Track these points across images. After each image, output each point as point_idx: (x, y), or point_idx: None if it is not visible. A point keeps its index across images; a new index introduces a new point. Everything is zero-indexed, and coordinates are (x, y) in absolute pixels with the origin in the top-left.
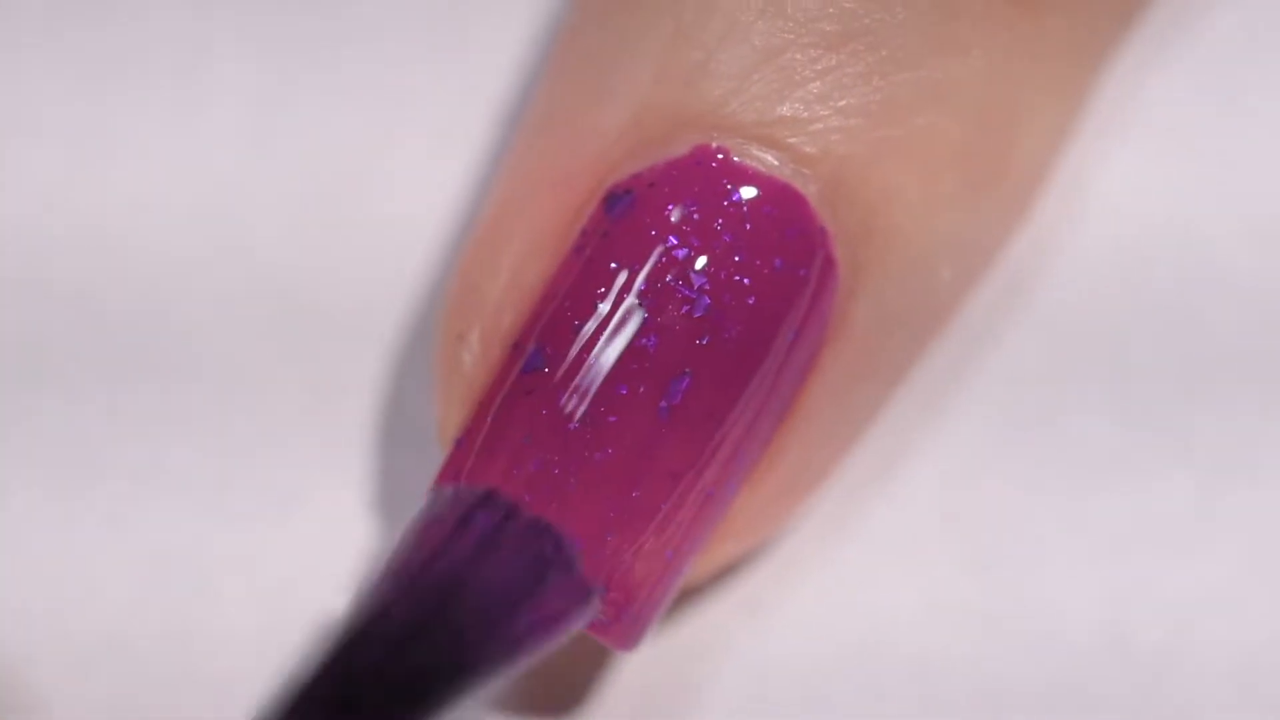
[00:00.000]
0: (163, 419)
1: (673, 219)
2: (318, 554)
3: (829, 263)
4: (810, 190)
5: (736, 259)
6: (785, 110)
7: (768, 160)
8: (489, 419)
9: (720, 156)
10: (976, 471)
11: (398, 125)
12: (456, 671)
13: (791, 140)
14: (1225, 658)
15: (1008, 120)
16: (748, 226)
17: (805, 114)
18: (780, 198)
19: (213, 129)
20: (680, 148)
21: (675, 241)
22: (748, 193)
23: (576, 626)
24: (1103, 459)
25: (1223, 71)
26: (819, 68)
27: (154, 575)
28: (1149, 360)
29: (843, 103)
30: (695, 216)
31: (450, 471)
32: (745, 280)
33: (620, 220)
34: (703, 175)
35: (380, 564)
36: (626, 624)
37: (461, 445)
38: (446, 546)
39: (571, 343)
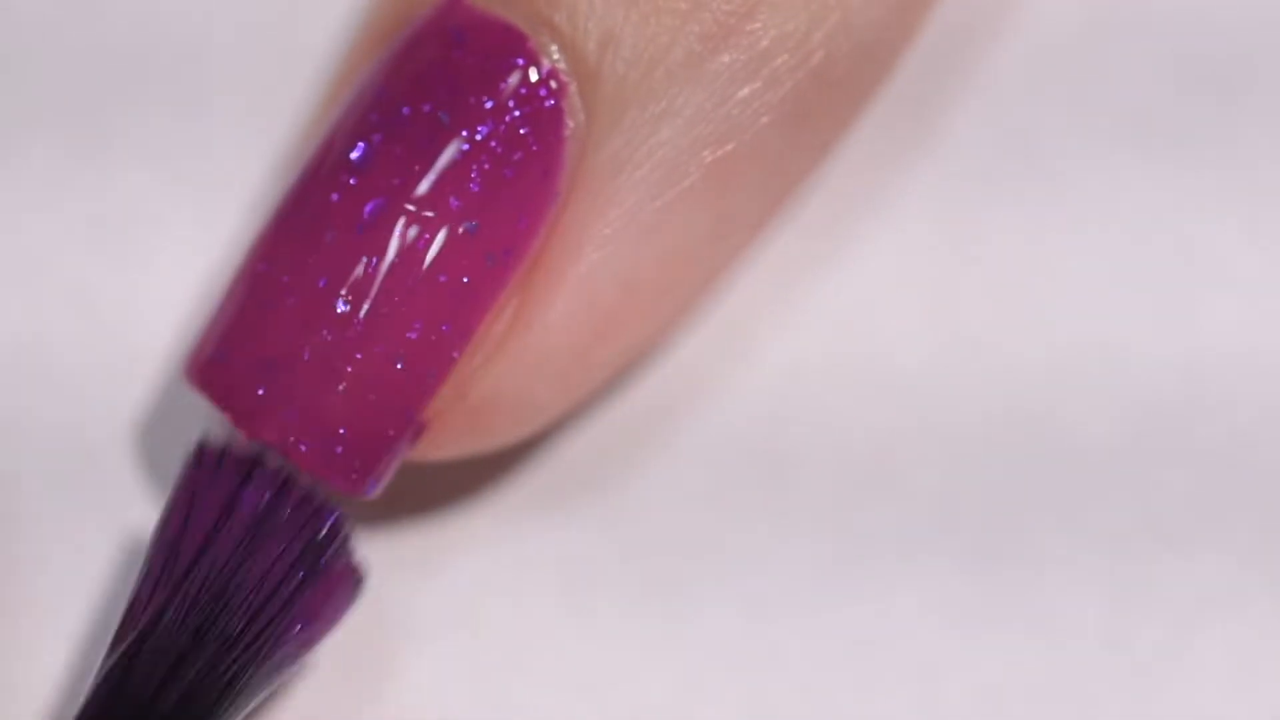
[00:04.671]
0: None
1: (398, 65)
2: None
3: (554, 108)
4: (539, 37)
5: (444, 93)
6: None
7: (501, 5)
8: None
9: (453, 4)
10: (976, 469)
11: None
12: (232, 674)
13: None
14: (1225, 658)
15: None
16: (468, 62)
17: None
18: (490, 29)
19: None
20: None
21: (394, 81)
22: (464, 31)
23: (347, 608)
24: (1103, 458)
25: None
26: None
27: None
28: (1149, 360)
29: None
30: (415, 59)
31: None
32: (454, 113)
33: (372, 74)
34: (435, 23)
35: (150, 554)
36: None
37: None
38: (218, 533)
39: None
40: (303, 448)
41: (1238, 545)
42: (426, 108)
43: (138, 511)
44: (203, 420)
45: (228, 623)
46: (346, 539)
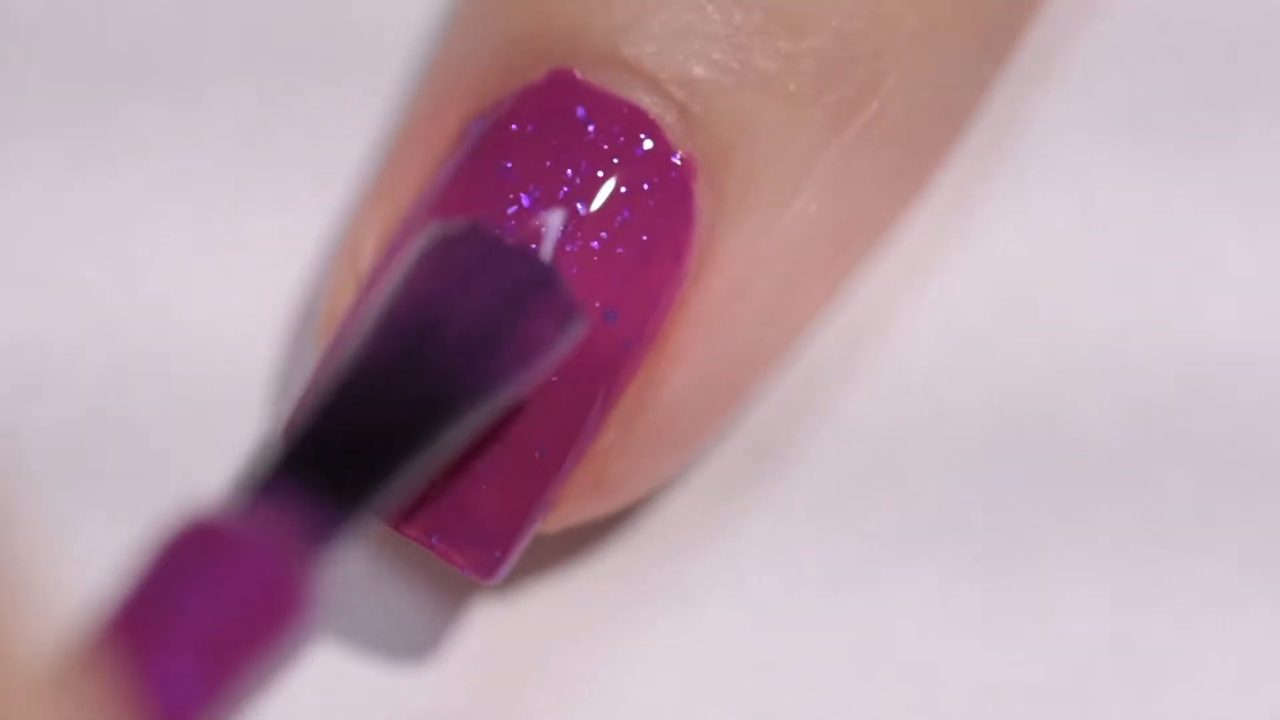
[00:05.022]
0: None
1: (523, 143)
2: None
3: (684, 190)
4: (665, 117)
5: (579, 180)
6: (638, 36)
7: (626, 83)
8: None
9: (572, 79)
10: (978, 471)
11: None
12: (442, 410)
13: (644, 64)
14: (1225, 658)
15: (875, 52)
16: (602, 145)
17: (658, 37)
18: (617, 109)
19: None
20: (539, 74)
21: (522, 163)
22: (590, 112)
23: (561, 350)
24: (1103, 458)
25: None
26: None
27: None
28: (1149, 359)
29: (698, 26)
30: (544, 139)
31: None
32: (591, 200)
33: (476, 142)
34: (553, 97)
35: (370, 308)
36: (484, 548)
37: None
38: (431, 282)
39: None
40: (443, 543)
41: (1238, 545)
42: (561, 194)
43: (138, 512)
44: (203, 419)
45: (438, 351)
46: (559, 283)
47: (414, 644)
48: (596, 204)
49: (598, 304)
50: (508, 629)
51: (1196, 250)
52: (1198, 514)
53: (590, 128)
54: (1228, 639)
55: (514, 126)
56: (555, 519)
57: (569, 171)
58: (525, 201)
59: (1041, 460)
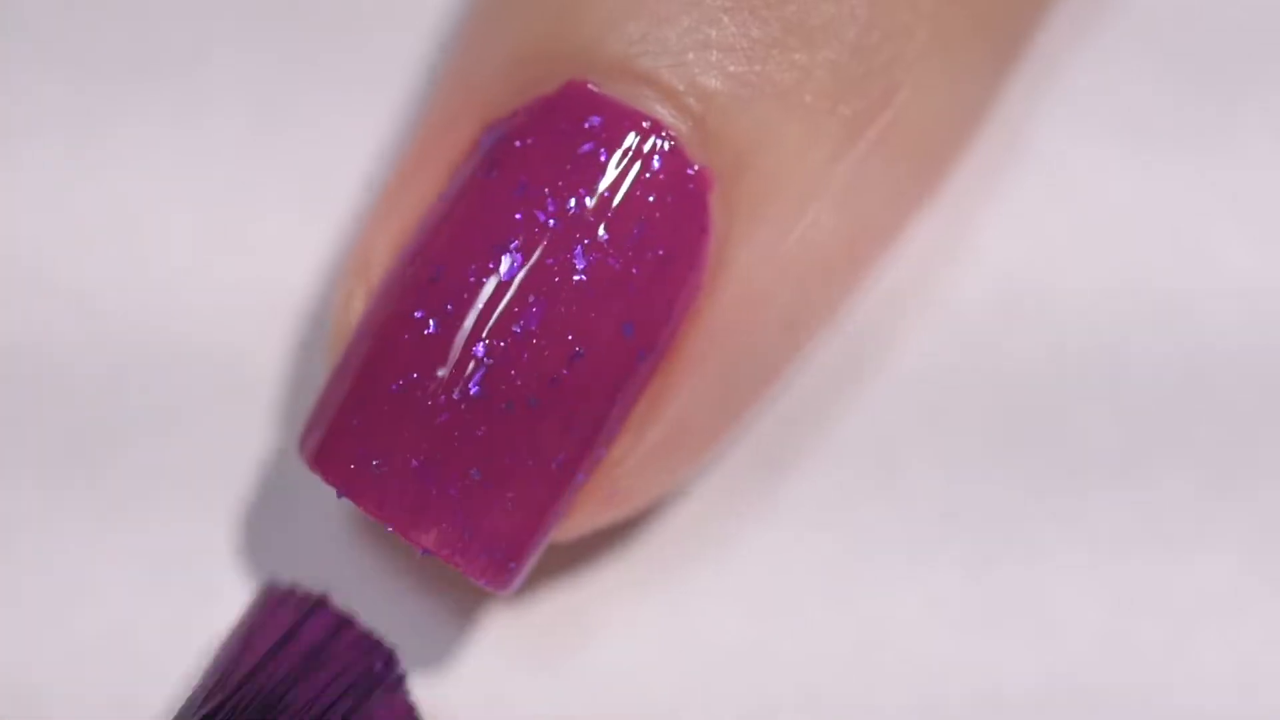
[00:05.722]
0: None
1: (538, 154)
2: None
3: (700, 202)
4: (681, 128)
5: (593, 193)
6: (655, 47)
7: (642, 95)
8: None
9: (587, 90)
10: (978, 471)
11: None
12: None
13: (661, 76)
14: (1225, 658)
15: (888, 64)
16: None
17: (675, 49)
18: (634, 123)
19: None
20: (553, 86)
21: (537, 175)
22: (607, 124)
23: None
24: (1103, 459)
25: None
26: (688, 1)
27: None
28: (1149, 360)
29: (714, 38)
30: (558, 151)
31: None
32: (606, 213)
33: (490, 153)
34: (568, 109)
35: (208, 667)
36: (499, 561)
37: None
38: (274, 654)
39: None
40: (458, 554)
41: (1238, 545)
42: (575, 207)
43: (136, 512)
44: (204, 420)
45: None
46: (401, 678)
47: (427, 649)
48: (612, 217)
49: (614, 316)
50: (506, 630)
51: (1196, 250)
52: (1197, 514)
53: (604, 139)
54: (1227, 639)
55: (527, 139)
56: (568, 528)
57: (582, 185)
58: (538, 215)
59: (1041, 460)
